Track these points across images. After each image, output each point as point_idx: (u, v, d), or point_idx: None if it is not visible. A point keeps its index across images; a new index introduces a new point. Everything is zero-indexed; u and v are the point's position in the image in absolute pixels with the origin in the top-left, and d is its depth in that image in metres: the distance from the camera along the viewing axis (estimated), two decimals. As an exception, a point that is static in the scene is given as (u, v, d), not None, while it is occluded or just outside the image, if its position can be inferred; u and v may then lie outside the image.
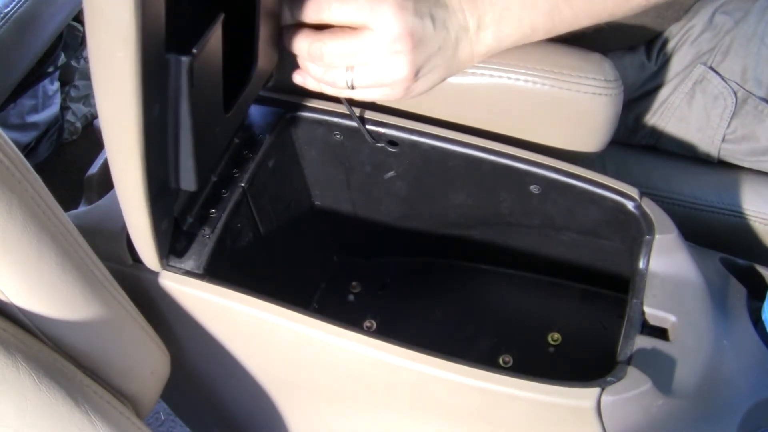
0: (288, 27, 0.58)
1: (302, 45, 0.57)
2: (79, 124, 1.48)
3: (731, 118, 0.74)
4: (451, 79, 0.62)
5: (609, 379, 0.50)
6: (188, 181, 0.52)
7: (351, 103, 0.64)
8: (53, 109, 1.38)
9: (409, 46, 0.55)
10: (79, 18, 1.45)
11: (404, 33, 0.54)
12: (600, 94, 0.61)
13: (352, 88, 0.58)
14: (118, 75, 0.41)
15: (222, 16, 0.50)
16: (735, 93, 0.74)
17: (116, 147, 0.46)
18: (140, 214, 0.50)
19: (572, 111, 0.62)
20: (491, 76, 0.61)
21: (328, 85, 0.59)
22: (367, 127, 0.65)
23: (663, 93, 0.77)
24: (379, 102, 0.63)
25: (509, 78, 0.61)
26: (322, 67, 0.58)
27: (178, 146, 0.50)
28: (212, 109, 0.53)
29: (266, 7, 0.55)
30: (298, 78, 0.62)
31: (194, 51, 0.46)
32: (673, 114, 0.77)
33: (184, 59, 0.45)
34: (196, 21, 0.48)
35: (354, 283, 0.78)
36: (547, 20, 0.57)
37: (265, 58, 0.58)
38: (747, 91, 0.73)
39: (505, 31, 0.58)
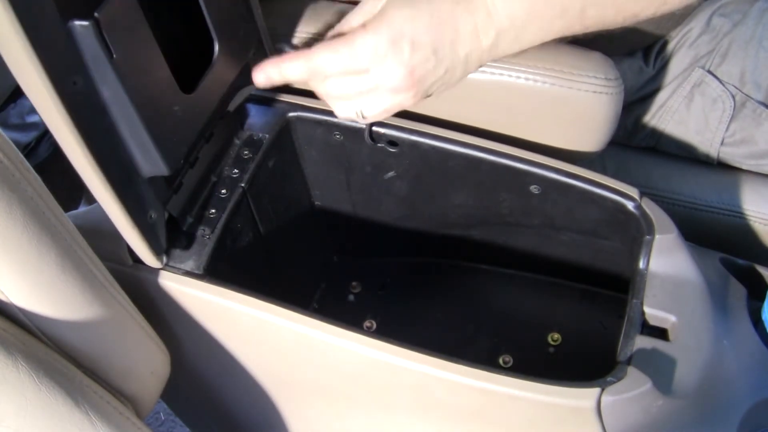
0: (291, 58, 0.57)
1: (313, 84, 0.57)
2: (79, 124, 1.47)
3: (730, 121, 0.74)
4: (451, 79, 0.62)
5: (609, 379, 0.50)
6: (155, 165, 0.51)
7: None
8: (53, 109, 1.38)
9: (411, 84, 0.55)
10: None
11: (404, 76, 0.54)
12: (601, 93, 0.61)
13: (363, 118, 0.59)
14: (10, 45, 0.40)
15: None
16: (733, 96, 0.73)
17: (49, 124, 0.44)
18: (110, 202, 0.49)
19: (573, 109, 0.62)
20: (492, 74, 0.61)
21: (338, 113, 0.59)
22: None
23: (661, 96, 0.77)
24: None
25: (510, 76, 0.61)
26: (331, 101, 0.58)
27: (122, 125, 0.48)
28: (160, 86, 0.51)
29: None
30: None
31: (96, 15, 0.43)
32: (672, 117, 0.77)
33: (85, 24, 0.43)
34: None
35: (354, 283, 0.78)
36: (556, 35, 0.57)
37: (227, 35, 0.57)
38: (745, 94, 0.73)
39: (515, 48, 0.57)
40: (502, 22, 0.55)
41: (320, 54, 0.55)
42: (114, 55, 0.45)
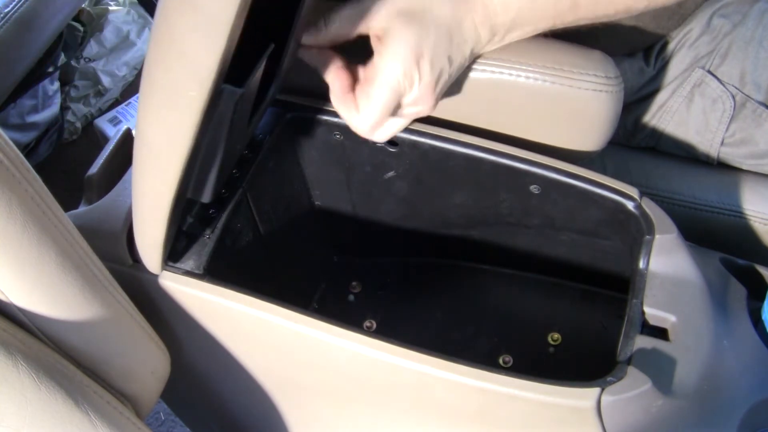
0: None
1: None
2: (79, 124, 1.48)
3: (730, 121, 0.74)
4: (452, 79, 0.62)
5: (609, 379, 0.50)
6: (206, 194, 0.53)
7: None
8: (53, 109, 1.38)
9: (433, 98, 0.57)
10: (79, 18, 1.45)
11: (427, 94, 0.57)
12: (601, 91, 0.61)
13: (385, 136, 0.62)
14: (185, 109, 0.43)
15: (271, 48, 0.51)
16: (733, 96, 0.73)
17: (155, 167, 0.47)
18: (158, 227, 0.51)
19: (573, 108, 0.62)
20: (492, 72, 0.61)
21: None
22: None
23: (661, 96, 0.77)
24: None
25: (510, 74, 0.61)
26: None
27: (208, 165, 0.51)
28: (241, 131, 0.54)
29: (298, 33, 0.56)
30: None
31: (247, 83, 0.47)
32: (672, 117, 0.77)
33: (238, 91, 0.46)
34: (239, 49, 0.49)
35: (354, 283, 0.78)
36: (548, 25, 0.58)
37: (285, 73, 0.59)
38: (745, 94, 0.73)
39: (507, 39, 0.60)
40: (498, 13, 0.57)
41: (368, 116, 0.57)
42: (236, 114, 0.48)
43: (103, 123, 1.43)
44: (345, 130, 0.66)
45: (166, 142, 0.46)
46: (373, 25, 0.56)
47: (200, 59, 0.40)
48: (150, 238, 0.53)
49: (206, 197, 0.53)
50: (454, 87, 0.63)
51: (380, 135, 0.61)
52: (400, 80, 0.55)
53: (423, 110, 0.59)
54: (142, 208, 0.51)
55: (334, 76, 0.58)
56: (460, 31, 0.56)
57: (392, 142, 0.66)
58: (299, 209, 0.74)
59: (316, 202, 0.75)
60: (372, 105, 0.56)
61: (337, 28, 0.57)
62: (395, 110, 0.58)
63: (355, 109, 0.57)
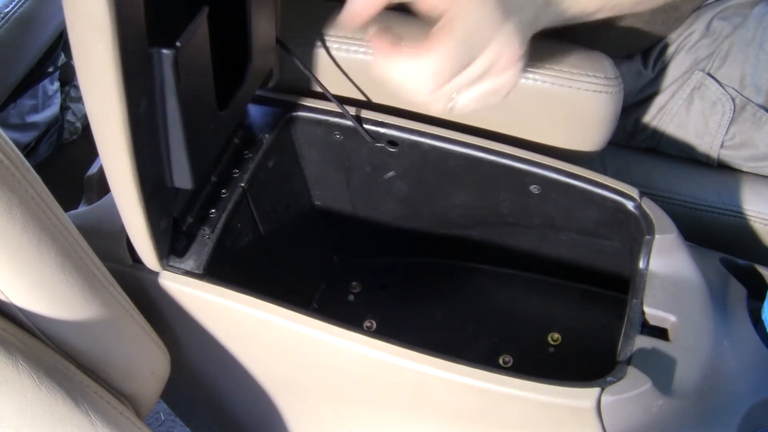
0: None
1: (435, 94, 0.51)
2: (79, 124, 1.48)
3: (729, 124, 0.74)
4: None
5: (609, 379, 0.50)
6: (183, 179, 0.52)
7: (346, 102, 0.64)
8: (53, 109, 1.38)
9: (518, 54, 0.51)
10: (79, 18, 1.45)
11: (517, 47, 0.50)
12: (600, 92, 0.61)
13: (451, 110, 0.53)
14: (99, 68, 0.41)
15: (206, 10, 0.49)
16: (733, 99, 0.73)
17: (105, 142, 0.46)
18: (135, 213, 0.50)
19: (573, 108, 0.62)
20: (491, 75, 0.61)
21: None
22: (367, 127, 0.65)
23: (661, 99, 0.76)
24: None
25: (509, 76, 0.61)
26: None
27: (169, 143, 0.50)
28: (204, 106, 0.53)
29: (258, 4, 0.54)
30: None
31: (178, 44, 0.46)
32: (672, 120, 0.77)
33: (167, 52, 0.45)
34: (184, 17, 0.48)
35: (354, 283, 0.78)
36: (596, 7, 0.56)
37: (260, 56, 0.58)
38: (745, 97, 0.73)
39: (558, 13, 0.54)
40: None
41: (433, 58, 0.48)
42: (181, 81, 0.47)
43: (103, 123, 1.42)
44: (345, 130, 0.66)
45: (100, 111, 0.44)
46: None
47: (91, 6, 0.39)
48: (134, 228, 0.52)
49: (186, 183, 0.52)
50: None
51: (443, 102, 0.51)
52: (474, 33, 0.47)
53: (506, 80, 0.50)
54: (116, 193, 0.50)
55: (379, 32, 0.50)
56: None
57: (392, 142, 0.66)
58: (299, 209, 0.74)
59: (316, 202, 0.75)
60: (436, 51, 0.47)
61: None
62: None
63: (407, 57, 0.48)
